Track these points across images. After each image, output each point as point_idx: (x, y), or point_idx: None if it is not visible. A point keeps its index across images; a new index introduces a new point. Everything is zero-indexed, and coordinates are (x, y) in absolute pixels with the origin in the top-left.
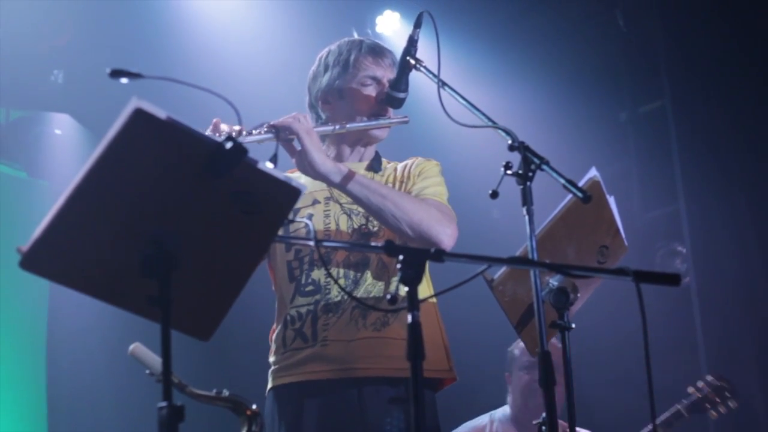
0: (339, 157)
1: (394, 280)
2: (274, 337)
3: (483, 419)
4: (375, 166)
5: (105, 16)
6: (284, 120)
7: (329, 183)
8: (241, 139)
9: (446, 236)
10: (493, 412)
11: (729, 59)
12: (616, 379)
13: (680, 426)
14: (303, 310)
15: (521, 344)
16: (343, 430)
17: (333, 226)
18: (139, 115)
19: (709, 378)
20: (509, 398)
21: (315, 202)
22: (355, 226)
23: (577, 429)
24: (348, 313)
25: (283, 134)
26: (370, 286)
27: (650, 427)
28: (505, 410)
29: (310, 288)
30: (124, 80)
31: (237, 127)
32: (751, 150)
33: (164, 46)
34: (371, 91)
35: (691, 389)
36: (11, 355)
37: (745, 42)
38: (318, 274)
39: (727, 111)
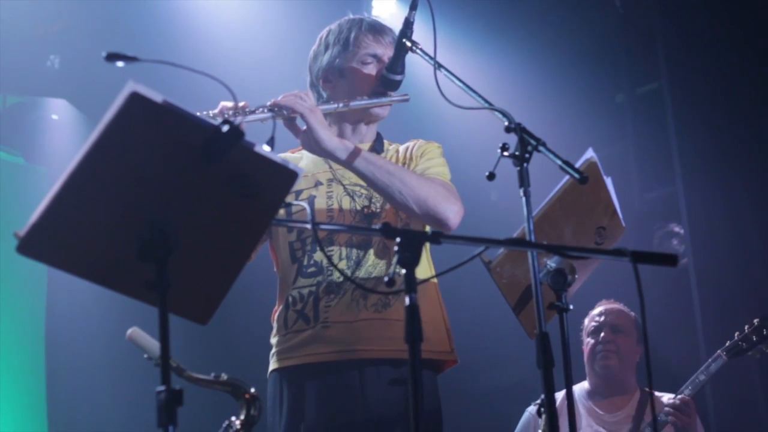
0: (341, 136)
1: (393, 263)
2: (275, 317)
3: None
4: (377, 147)
5: (101, 2)
6: (286, 99)
7: (335, 160)
8: (241, 119)
9: (452, 213)
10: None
11: (726, 40)
12: None
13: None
14: (305, 291)
15: (592, 311)
16: (345, 411)
17: (336, 207)
18: (135, 98)
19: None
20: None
21: (318, 183)
22: (358, 207)
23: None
24: (349, 294)
25: (285, 113)
26: (371, 266)
27: (685, 388)
28: (582, 385)
29: (312, 269)
30: (120, 64)
31: (242, 103)
32: (749, 131)
33: (160, 31)
34: (372, 69)
35: (737, 334)
36: (10, 340)
37: (742, 22)
38: (320, 255)
39: (724, 92)
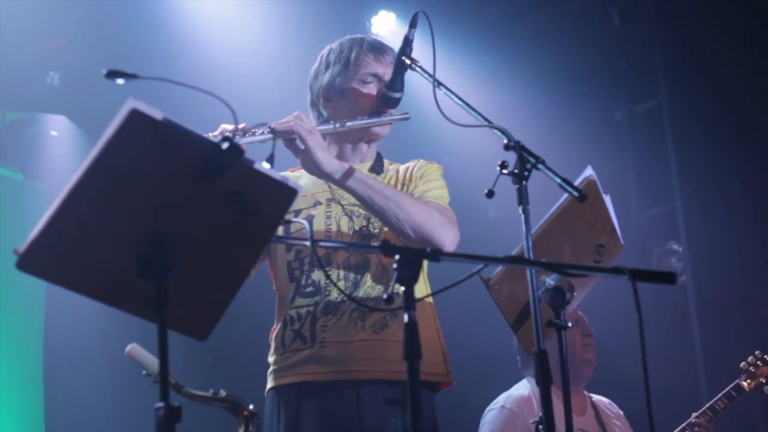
0: (340, 156)
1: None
2: (273, 336)
3: (521, 388)
4: (377, 167)
5: (101, 18)
6: (286, 122)
7: (333, 182)
8: (241, 140)
9: (448, 239)
10: (529, 378)
11: (725, 58)
12: (612, 378)
13: (741, 400)
14: (303, 311)
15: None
16: (342, 430)
17: (334, 227)
18: (134, 115)
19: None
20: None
21: (317, 203)
22: (356, 228)
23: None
24: (347, 315)
25: (284, 135)
26: (369, 288)
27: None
28: (532, 384)
29: (310, 289)
30: (120, 81)
31: (242, 125)
32: (748, 148)
33: (160, 48)
34: (372, 88)
35: (743, 364)
36: (9, 356)
37: (742, 40)
38: (318, 275)
39: (723, 110)
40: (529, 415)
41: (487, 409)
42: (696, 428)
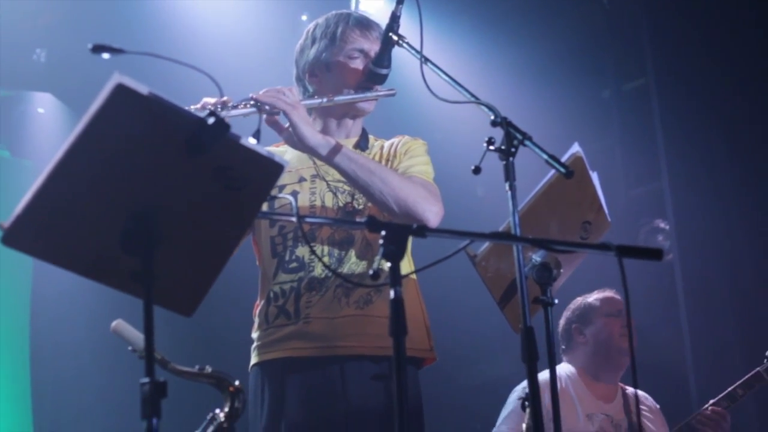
0: (325, 132)
1: (377, 258)
2: (257, 312)
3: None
4: (362, 143)
5: None
6: (268, 94)
7: (318, 156)
8: (224, 114)
9: (432, 214)
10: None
11: (713, 36)
12: None
13: (759, 388)
14: (286, 287)
15: (601, 294)
16: (326, 406)
17: (318, 203)
18: (120, 90)
19: None
20: (574, 354)
21: (301, 179)
22: (341, 204)
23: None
24: (331, 291)
25: (268, 109)
26: (354, 264)
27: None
28: (567, 368)
29: (293, 265)
30: (105, 56)
31: (225, 98)
32: (734, 127)
33: (147, 25)
34: (358, 64)
35: None
36: None
37: (729, 19)
38: (302, 251)
39: (710, 89)
40: (547, 397)
41: (513, 390)
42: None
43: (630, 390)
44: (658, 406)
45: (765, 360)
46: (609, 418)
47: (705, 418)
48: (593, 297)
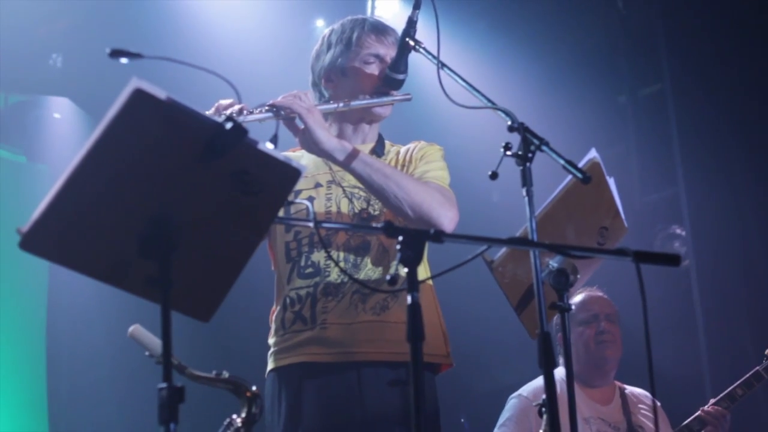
0: (342, 136)
1: (394, 264)
2: (273, 318)
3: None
4: (378, 148)
5: (104, 0)
6: (284, 99)
7: (333, 161)
8: (241, 119)
9: (447, 219)
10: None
11: (728, 42)
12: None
13: (760, 387)
14: (302, 292)
15: (579, 297)
16: (343, 411)
17: (334, 209)
18: (138, 95)
19: None
20: (562, 359)
21: (317, 185)
22: (356, 210)
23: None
24: (348, 297)
25: (284, 113)
26: (370, 270)
27: (713, 401)
28: (562, 372)
29: (309, 270)
30: (123, 60)
31: (239, 105)
32: (751, 133)
33: (163, 30)
34: (374, 69)
35: None
36: (12, 338)
37: (745, 24)
38: (318, 256)
39: (726, 94)
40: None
41: (510, 397)
42: (712, 415)
43: (629, 389)
44: (659, 404)
45: (764, 359)
46: (606, 422)
47: (706, 418)
48: (573, 299)
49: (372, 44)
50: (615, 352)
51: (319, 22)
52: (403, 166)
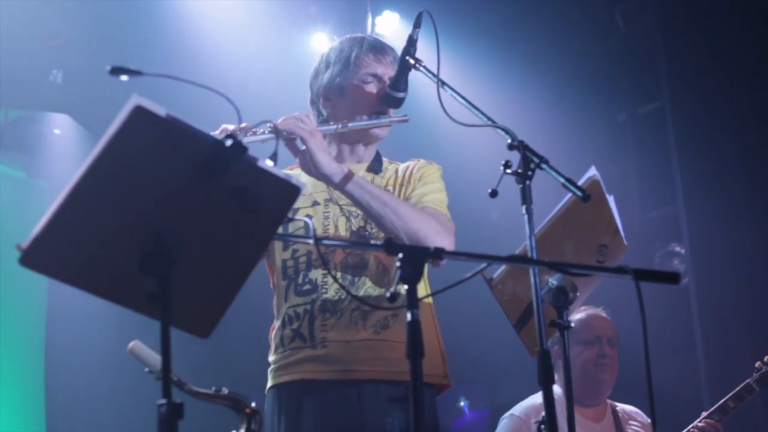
0: (339, 156)
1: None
2: (273, 335)
3: (538, 397)
4: (375, 167)
5: (104, 16)
6: (287, 122)
7: (331, 184)
8: (243, 139)
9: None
10: (536, 395)
11: (727, 60)
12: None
13: (751, 400)
14: (300, 309)
15: (578, 316)
16: (343, 428)
17: (332, 228)
18: (138, 111)
19: None
20: (558, 375)
21: (315, 203)
22: (354, 229)
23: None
24: (347, 315)
25: (285, 134)
26: (370, 288)
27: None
28: (556, 390)
29: (306, 287)
30: (124, 77)
31: (243, 124)
32: (750, 151)
33: (163, 47)
34: (372, 88)
35: (758, 364)
36: (10, 354)
37: (743, 43)
38: (315, 273)
39: (725, 112)
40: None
41: (501, 417)
42: (706, 429)
43: (620, 407)
44: (649, 421)
45: (755, 371)
46: None
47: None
48: (576, 316)
49: (370, 63)
50: (612, 375)
51: (319, 38)
52: (401, 185)
